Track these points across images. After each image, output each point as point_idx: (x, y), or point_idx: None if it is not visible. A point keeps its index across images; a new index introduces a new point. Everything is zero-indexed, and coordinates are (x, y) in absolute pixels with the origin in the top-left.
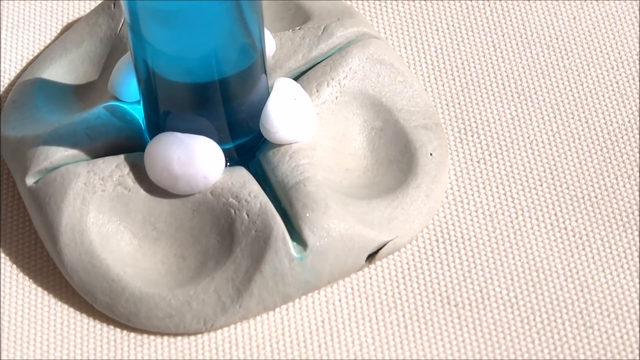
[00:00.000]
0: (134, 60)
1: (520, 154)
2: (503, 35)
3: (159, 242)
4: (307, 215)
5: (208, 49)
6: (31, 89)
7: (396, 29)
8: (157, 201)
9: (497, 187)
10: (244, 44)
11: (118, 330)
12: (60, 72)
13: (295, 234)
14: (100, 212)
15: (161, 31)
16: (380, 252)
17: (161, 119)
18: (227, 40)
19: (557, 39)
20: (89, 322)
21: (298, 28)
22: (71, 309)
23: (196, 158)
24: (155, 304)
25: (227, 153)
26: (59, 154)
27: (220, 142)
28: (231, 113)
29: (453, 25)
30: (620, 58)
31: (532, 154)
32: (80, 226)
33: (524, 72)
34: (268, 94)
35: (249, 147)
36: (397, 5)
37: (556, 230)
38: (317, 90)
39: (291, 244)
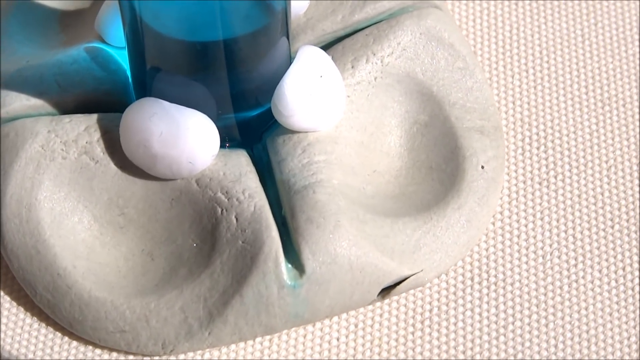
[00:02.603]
0: None
1: (593, 181)
2: (595, 25)
3: (125, 232)
4: (311, 232)
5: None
6: (6, 8)
7: (467, 1)
8: (130, 180)
9: (557, 221)
10: None
11: (58, 334)
12: None
13: (292, 254)
14: (57, 185)
15: None
16: (399, 286)
17: (148, 78)
18: None
19: None
20: (25, 318)
21: None
22: (6, 298)
23: (182, 137)
24: (106, 314)
25: (226, 130)
26: (19, 102)
27: (219, 116)
28: (236, 81)
29: (537, 2)
30: None
31: (609, 183)
32: (29, 199)
33: (614, 76)
34: (288, 62)
35: (255, 126)
36: None
37: (621, 290)
38: (353, 67)
39: (284, 267)
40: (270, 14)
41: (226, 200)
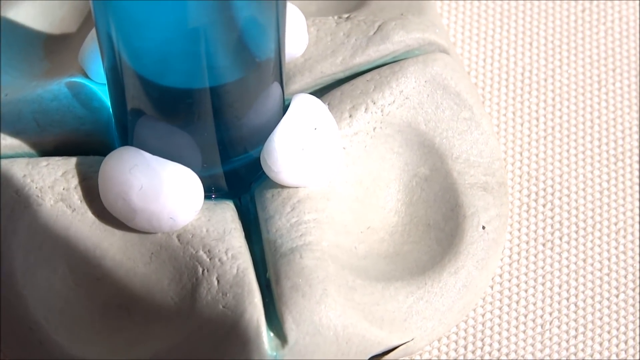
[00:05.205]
0: (97, 31)
1: (600, 245)
2: (614, 71)
3: (101, 285)
4: (296, 300)
5: (192, 37)
6: None
7: (478, 38)
8: (108, 231)
9: (560, 287)
10: (248, 42)
11: None
12: (31, 12)
13: (275, 322)
14: (31, 233)
15: None
16: (387, 355)
17: (129, 122)
18: (221, 30)
19: None
20: None
21: (346, 17)
22: None
23: (163, 191)
24: None
25: (212, 180)
26: None
27: (204, 166)
28: (223, 129)
29: (552, 44)
30: None
31: (617, 248)
32: (2, 247)
33: (630, 129)
34: (280, 108)
35: (243, 175)
36: (487, 7)
37: None
38: (350, 116)
39: (266, 336)
40: (257, 62)
41: (208, 259)
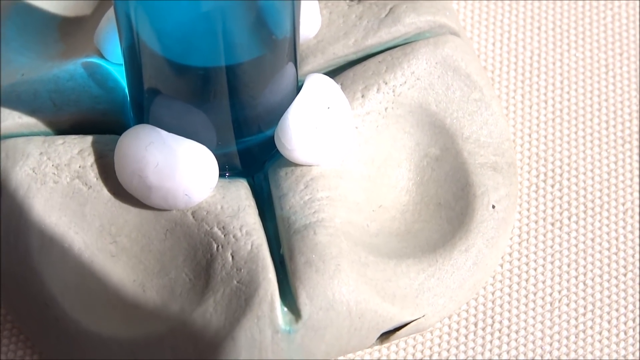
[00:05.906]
0: (115, 12)
1: (608, 225)
2: (621, 55)
3: (117, 261)
4: (309, 276)
5: (212, 16)
6: (4, 12)
7: (487, 22)
8: (123, 208)
9: (568, 266)
10: (266, 20)
11: None
12: None
13: (289, 297)
14: (47, 210)
15: None
16: (399, 331)
17: (145, 100)
18: (242, 8)
19: None
20: (10, 344)
21: (357, 0)
22: None
23: (179, 169)
24: (93, 348)
25: (226, 159)
26: (11, 120)
27: (218, 144)
28: (238, 108)
29: (560, 28)
30: None
31: (624, 227)
32: (18, 224)
33: (638, 112)
34: (294, 88)
35: (257, 154)
36: None
37: (630, 343)
38: (363, 96)
39: (280, 311)
40: (274, 41)
41: (222, 236)
